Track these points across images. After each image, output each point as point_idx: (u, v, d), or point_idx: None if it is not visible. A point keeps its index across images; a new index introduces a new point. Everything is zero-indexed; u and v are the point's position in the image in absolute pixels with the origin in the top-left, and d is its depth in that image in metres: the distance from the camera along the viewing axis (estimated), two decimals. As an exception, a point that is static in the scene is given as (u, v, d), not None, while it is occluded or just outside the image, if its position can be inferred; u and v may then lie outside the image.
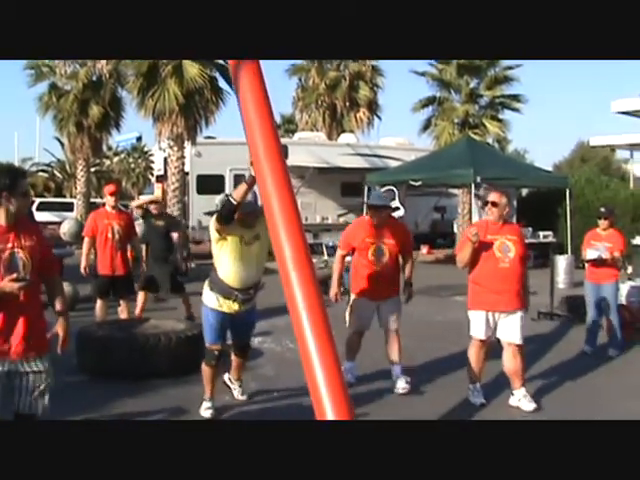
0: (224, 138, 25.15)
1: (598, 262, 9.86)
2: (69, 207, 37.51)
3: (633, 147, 30.15)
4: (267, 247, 6.78)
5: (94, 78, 29.80)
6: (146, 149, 51.83)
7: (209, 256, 6.78)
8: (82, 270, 10.27)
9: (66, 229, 16.96)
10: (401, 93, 75.96)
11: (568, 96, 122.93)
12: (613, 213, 10.43)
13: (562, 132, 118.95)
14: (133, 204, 10.81)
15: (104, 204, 10.76)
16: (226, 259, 6.62)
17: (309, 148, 24.93)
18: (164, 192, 23.54)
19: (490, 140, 28.17)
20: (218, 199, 6.67)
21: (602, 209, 10.34)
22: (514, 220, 8.39)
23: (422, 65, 28.29)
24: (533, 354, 7.67)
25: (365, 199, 23.80)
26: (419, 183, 20.22)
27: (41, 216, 29.66)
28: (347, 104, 32.88)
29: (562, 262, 17.99)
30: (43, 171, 60.17)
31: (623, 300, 11.03)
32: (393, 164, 25.99)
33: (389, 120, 57.88)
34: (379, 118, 34.36)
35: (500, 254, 7.29)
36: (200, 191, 23.62)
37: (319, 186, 25.30)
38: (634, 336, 10.88)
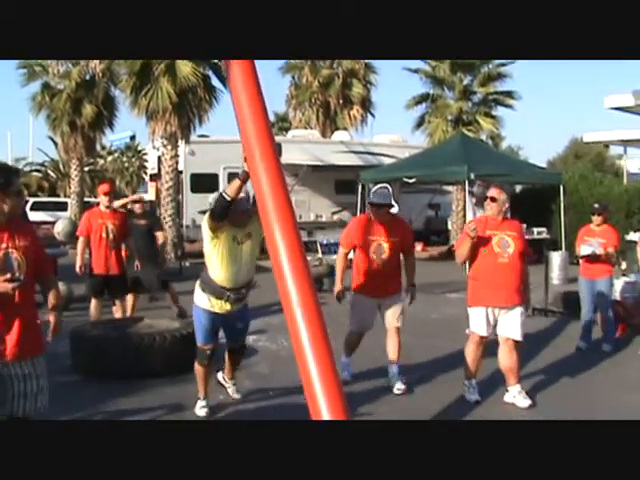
0: (218, 136, 25.12)
1: (592, 258, 9.88)
2: (63, 207, 37.42)
3: (626, 143, 30.11)
4: (259, 246, 6.77)
5: (87, 77, 29.73)
6: (140, 148, 51.84)
7: (203, 255, 6.75)
8: (77, 269, 10.24)
9: (60, 229, 16.93)
10: (394, 90, 75.88)
11: (561, 92, 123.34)
12: (607, 209, 10.45)
13: (556, 129, 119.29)
14: (116, 204, 10.78)
15: (98, 203, 10.74)
16: (218, 258, 6.57)
17: (303, 146, 24.92)
18: (158, 191, 23.52)
19: (484, 137, 28.19)
20: (212, 197, 6.63)
21: (596, 205, 10.36)
22: (508, 216, 8.43)
23: (415, 62, 28.32)
24: (528, 350, 7.68)
25: (367, 197, 23.91)
26: (413, 180, 20.24)
27: (35, 216, 29.56)
28: (340, 102, 32.87)
29: (556, 258, 18.01)
30: (37, 171, 60.07)
31: (617, 296, 11.04)
32: (387, 161, 25.99)
33: (383, 117, 58.14)
34: (373, 115, 34.39)
35: (499, 249, 7.28)
36: (194, 190, 23.59)
37: (313, 184, 25.28)
38: (628, 332, 10.91)
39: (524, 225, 20.86)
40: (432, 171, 20.86)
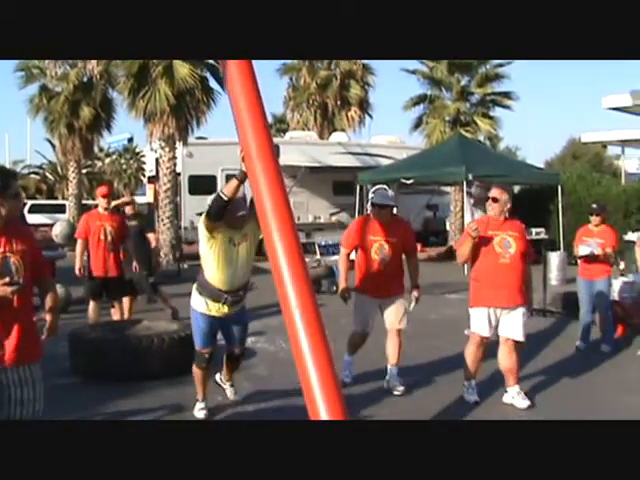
0: (216, 138, 25.14)
1: (590, 258, 9.88)
2: (61, 209, 37.43)
3: (624, 143, 30.14)
4: (255, 248, 6.75)
5: (85, 79, 29.72)
6: (138, 150, 51.74)
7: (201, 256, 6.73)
8: (77, 271, 10.24)
9: (58, 231, 16.92)
10: (392, 91, 76.08)
11: (559, 93, 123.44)
12: (605, 209, 10.46)
13: (553, 129, 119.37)
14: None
15: (96, 206, 10.73)
16: (214, 260, 6.53)
17: (301, 147, 24.92)
18: (156, 193, 23.51)
19: (482, 138, 28.19)
20: (210, 199, 6.60)
21: (594, 205, 10.36)
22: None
23: (413, 63, 28.33)
24: (527, 351, 7.68)
25: (367, 198, 23.90)
26: (411, 181, 20.23)
27: (33, 218, 29.55)
28: (338, 103, 32.89)
29: (554, 258, 18.02)
30: (35, 173, 60.06)
31: (616, 296, 11.04)
32: (385, 162, 26.01)
33: (380, 118, 58.10)
34: (370, 117, 34.43)
35: (500, 250, 7.26)
36: (192, 192, 23.60)
37: (311, 185, 25.29)
38: (628, 332, 10.91)
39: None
40: (430, 172, 20.85)
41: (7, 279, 4.43)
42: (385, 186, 8.12)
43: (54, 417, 5.39)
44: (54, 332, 4.95)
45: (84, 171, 42.38)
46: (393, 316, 7.88)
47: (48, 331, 4.88)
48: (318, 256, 18.97)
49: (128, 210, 11.70)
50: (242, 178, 5.80)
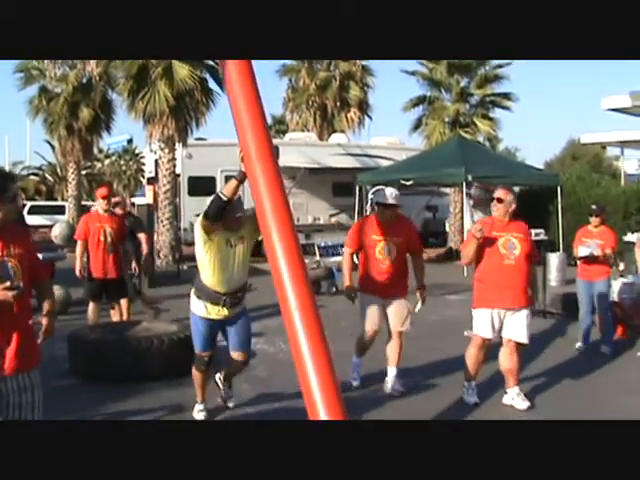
0: (215, 139, 25.14)
1: (590, 259, 9.87)
2: (60, 210, 37.47)
3: (624, 144, 30.14)
4: (251, 249, 6.71)
5: (84, 81, 29.76)
6: (137, 151, 51.75)
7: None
8: (77, 273, 10.23)
9: (57, 232, 16.93)
10: (392, 92, 76.07)
11: (559, 94, 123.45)
12: (604, 210, 10.45)
13: (553, 130, 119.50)
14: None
15: (90, 207, 10.72)
16: (210, 262, 6.49)
17: (300, 149, 24.93)
18: (155, 194, 23.51)
19: (481, 139, 28.19)
20: (209, 201, 6.57)
21: (593, 206, 10.35)
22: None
23: (412, 64, 28.35)
24: (526, 352, 7.67)
25: (368, 198, 23.84)
26: (410, 182, 20.23)
27: (32, 219, 29.59)
28: (338, 104, 32.91)
29: (554, 259, 18.02)
30: (34, 174, 60.10)
31: (615, 297, 11.04)
32: (384, 164, 26.02)
33: (380, 120, 58.18)
34: (370, 118, 34.45)
35: (505, 251, 7.24)
36: (191, 193, 23.61)
37: (310, 186, 25.29)
38: (627, 333, 10.91)
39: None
40: (429, 173, 20.87)
41: (8, 283, 4.37)
42: (383, 187, 8.09)
43: (52, 418, 5.39)
44: (50, 336, 4.90)
45: (83, 172, 42.41)
46: (396, 318, 7.82)
47: (44, 335, 4.82)
48: (317, 257, 18.96)
49: (118, 210, 11.67)
50: (241, 178, 5.74)
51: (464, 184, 20.34)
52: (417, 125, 28.16)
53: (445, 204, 28.44)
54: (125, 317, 10.55)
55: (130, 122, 22.19)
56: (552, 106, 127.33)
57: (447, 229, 27.99)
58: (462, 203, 24.58)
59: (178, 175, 23.31)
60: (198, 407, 7.02)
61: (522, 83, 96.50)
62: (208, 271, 6.55)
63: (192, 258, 6.97)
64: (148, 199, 24.02)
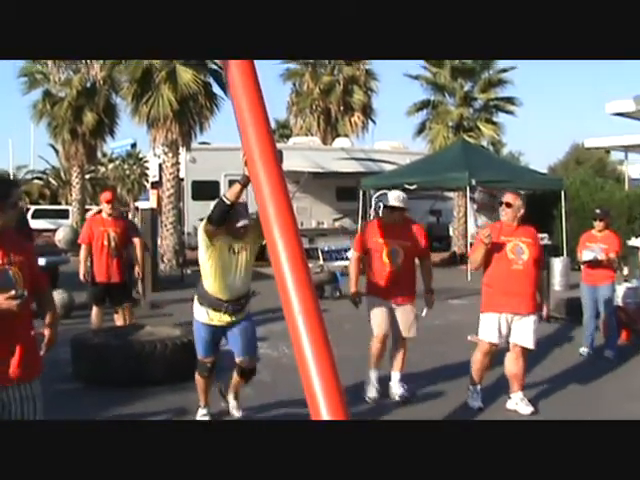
0: (219, 144, 25.13)
1: (594, 264, 9.86)
2: (64, 214, 37.50)
3: (628, 149, 30.15)
4: (254, 255, 6.66)
5: (88, 85, 29.83)
6: (141, 155, 51.93)
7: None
8: (81, 277, 10.22)
9: (61, 236, 16.95)
10: (395, 97, 76.03)
11: (562, 98, 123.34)
12: (608, 215, 10.44)
13: (557, 134, 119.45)
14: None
15: (100, 211, 10.72)
16: (212, 268, 6.46)
17: (304, 153, 24.94)
18: (159, 198, 23.53)
19: (485, 143, 28.23)
20: (213, 205, 6.55)
21: (597, 211, 10.34)
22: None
23: (416, 69, 28.43)
24: (530, 357, 7.64)
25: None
26: (414, 187, 20.23)
27: (36, 223, 29.65)
28: (341, 108, 32.87)
29: (558, 264, 18.00)
30: (38, 178, 60.24)
31: (619, 301, 11.02)
32: (388, 168, 26.03)
33: (383, 124, 58.23)
34: (374, 122, 34.38)
35: (513, 256, 7.21)
36: (195, 197, 23.62)
37: (314, 191, 25.28)
38: (631, 337, 10.89)
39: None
40: (433, 177, 20.87)
41: (13, 292, 4.22)
42: (385, 192, 8.04)
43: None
44: (52, 345, 4.77)
45: (87, 176, 42.54)
46: (402, 324, 7.74)
47: (47, 346, 4.70)
48: (321, 262, 18.94)
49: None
50: (245, 182, 5.73)
51: (468, 188, 20.34)
52: (421, 129, 28.16)
53: (449, 208, 28.41)
54: (127, 321, 10.54)
55: (134, 126, 22.30)
56: (556, 110, 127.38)
57: (451, 233, 27.96)
58: (466, 207, 24.55)
59: (182, 179, 23.33)
60: (201, 411, 7.00)
61: (526, 87, 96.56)
62: (210, 277, 6.52)
63: (196, 262, 6.96)
64: (152, 203, 24.06)
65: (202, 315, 6.66)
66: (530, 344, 7.31)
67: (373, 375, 7.80)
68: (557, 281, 17.58)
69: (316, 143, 28.54)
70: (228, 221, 6.24)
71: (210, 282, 6.53)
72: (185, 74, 21.00)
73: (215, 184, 23.23)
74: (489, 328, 7.30)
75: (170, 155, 22.30)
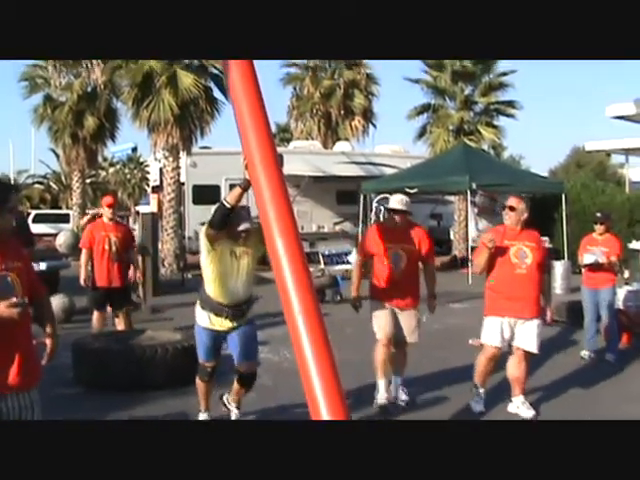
0: (219, 148, 25.14)
1: (595, 267, 9.86)
2: (65, 219, 37.51)
3: (628, 152, 30.17)
4: (256, 261, 6.63)
5: (89, 89, 29.84)
6: (142, 160, 51.92)
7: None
8: (82, 282, 10.23)
9: (62, 241, 16.95)
10: (396, 101, 76.09)
11: (563, 101, 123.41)
12: (609, 218, 10.44)
13: (557, 138, 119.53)
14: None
15: (100, 215, 10.73)
16: (213, 272, 6.44)
17: (304, 157, 24.95)
18: (160, 203, 23.54)
19: (485, 147, 28.24)
20: (214, 209, 6.53)
21: (598, 214, 10.35)
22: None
23: (416, 72, 28.39)
24: (532, 360, 7.63)
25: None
26: (415, 190, 20.24)
27: (37, 228, 29.64)
28: (342, 112, 32.87)
29: (559, 267, 18.00)
30: (39, 183, 60.24)
31: (620, 305, 11.02)
32: (388, 172, 26.03)
33: (384, 128, 58.15)
34: (374, 126, 34.38)
35: (517, 260, 7.21)
36: (196, 201, 23.62)
37: (315, 195, 25.28)
38: (632, 341, 10.88)
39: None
40: (434, 181, 20.88)
41: (14, 300, 4.13)
42: (388, 195, 8.03)
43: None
44: (54, 355, 4.69)
45: (88, 181, 42.55)
46: (405, 329, 7.68)
47: (49, 356, 4.63)
48: (322, 266, 18.94)
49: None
50: (246, 186, 5.71)
51: (468, 192, 20.36)
52: (421, 133, 28.20)
53: (449, 212, 28.41)
54: (125, 325, 10.52)
55: (135, 130, 22.35)
56: (556, 114, 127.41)
57: (452, 237, 27.95)
58: (467, 211, 24.58)
59: (183, 184, 23.35)
60: (202, 416, 7.00)
61: (526, 91, 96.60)
62: (211, 282, 6.51)
63: (197, 267, 6.96)
64: (153, 208, 24.06)
65: (204, 320, 6.64)
66: (534, 348, 7.31)
67: (382, 383, 7.66)
68: (558, 284, 17.58)
69: (317, 147, 28.53)
70: (229, 225, 6.23)
71: (211, 287, 6.52)
72: (186, 78, 21.02)
73: (216, 188, 23.23)
74: (492, 332, 7.29)
75: (171, 159, 22.31)
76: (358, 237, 21.69)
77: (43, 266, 14.24)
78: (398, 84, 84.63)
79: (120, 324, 10.49)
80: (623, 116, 25.46)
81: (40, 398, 4.51)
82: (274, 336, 10.78)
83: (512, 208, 7.30)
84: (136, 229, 21.91)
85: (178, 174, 22.60)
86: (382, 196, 23.02)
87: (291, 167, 20.98)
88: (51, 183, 59.26)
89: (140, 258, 12.01)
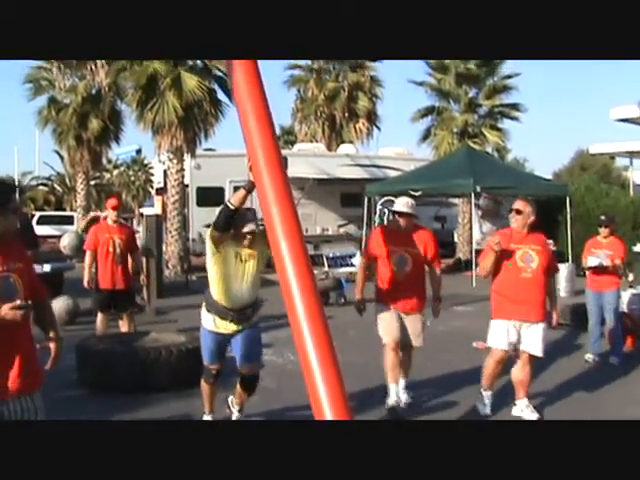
0: (223, 150, 25.14)
1: (599, 270, 9.85)
2: (69, 220, 37.51)
3: (633, 154, 30.15)
4: (262, 266, 6.59)
5: (93, 91, 29.88)
6: (146, 162, 51.95)
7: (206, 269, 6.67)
8: (85, 284, 10.24)
9: (66, 242, 17.00)
10: (400, 103, 76.05)
11: (567, 104, 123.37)
12: (613, 221, 10.43)
13: (561, 140, 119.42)
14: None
15: (105, 217, 10.74)
16: (218, 275, 6.42)
17: (308, 159, 24.94)
18: (164, 205, 23.55)
19: (489, 149, 28.22)
20: (218, 211, 6.52)
21: (602, 217, 10.33)
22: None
23: (420, 75, 28.44)
24: (536, 363, 7.62)
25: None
26: (419, 193, 20.21)
27: (41, 230, 29.64)
28: (346, 115, 32.89)
29: (563, 270, 17.97)
30: (43, 185, 60.30)
31: (624, 308, 11.00)
32: (392, 174, 26.04)
33: (388, 130, 57.96)
34: (378, 128, 34.40)
35: (522, 264, 7.18)
36: (200, 203, 23.63)
37: (319, 197, 25.28)
38: (636, 344, 10.86)
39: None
40: (438, 184, 20.87)
41: (18, 302, 4.10)
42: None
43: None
44: (57, 362, 4.63)
45: (92, 183, 42.57)
46: (411, 333, 7.65)
47: (53, 360, 4.56)
48: (326, 268, 18.94)
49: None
50: (250, 188, 5.67)
51: (472, 195, 20.36)
52: (425, 136, 28.20)
53: (453, 215, 28.40)
54: (129, 327, 10.53)
55: (139, 133, 22.37)
56: (560, 116, 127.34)
57: (456, 240, 27.92)
58: (470, 214, 24.58)
59: (187, 186, 23.34)
60: (206, 418, 6.99)
61: (530, 93, 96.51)
62: (215, 284, 6.49)
63: (201, 269, 6.96)
64: (157, 209, 24.09)
65: (209, 322, 6.63)
66: (538, 352, 7.29)
67: (394, 389, 7.58)
68: (562, 287, 17.56)
69: (321, 149, 28.54)
70: (234, 227, 6.23)
71: (216, 289, 6.50)
72: (190, 80, 21.03)
73: (220, 190, 23.23)
74: (499, 335, 7.27)
75: (175, 161, 22.32)
76: (362, 240, 21.69)
77: (47, 268, 14.27)
78: (402, 86, 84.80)
79: (124, 326, 10.50)
80: (627, 119, 25.45)
81: (44, 400, 4.50)
82: (278, 338, 10.78)
83: (518, 211, 7.27)
84: (140, 231, 21.90)
85: (182, 176, 22.60)
86: (386, 198, 23.03)
87: (295, 170, 20.95)
88: (55, 185, 59.32)
89: (144, 260, 11.99)
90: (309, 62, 33.00)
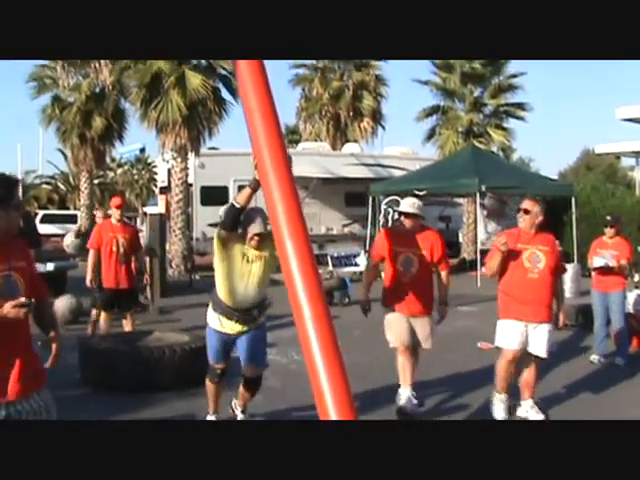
0: (228, 149, 25.13)
1: (605, 270, 9.81)
2: (73, 219, 37.59)
3: (638, 154, 30.12)
4: (270, 269, 6.50)
5: (97, 90, 29.94)
6: (150, 161, 51.99)
7: (213, 268, 6.63)
8: (88, 283, 10.23)
9: (69, 241, 17.01)
10: (405, 102, 76.14)
11: (573, 104, 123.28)
12: (619, 221, 10.39)
13: (567, 140, 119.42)
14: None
15: (109, 216, 10.73)
16: (224, 275, 6.37)
17: (313, 158, 24.91)
18: (168, 204, 23.56)
19: (495, 149, 28.20)
20: (222, 210, 6.50)
21: (608, 217, 10.30)
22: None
23: (425, 74, 28.39)
24: (541, 363, 7.58)
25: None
26: (424, 193, 20.19)
27: (45, 228, 29.68)
28: (351, 114, 32.85)
29: (569, 271, 17.90)
30: (47, 183, 60.38)
31: (630, 308, 10.96)
32: (397, 174, 26.02)
33: (393, 129, 57.69)
34: (383, 128, 34.34)
35: (529, 264, 7.13)
36: (204, 202, 23.61)
37: (323, 196, 25.27)
38: (642, 345, 10.83)
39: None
40: (443, 183, 20.84)
41: (21, 300, 4.04)
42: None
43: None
44: (57, 360, 4.56)
45: (96, 181, 42.66)
46: (419, 335, 7.57)
47: (54, 359, 4.50)
48: (331, 268, 18.92)
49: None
50: (255, 187, 5.63)
51: (477, 194, 20.32)
52: (430, 135, 28.19)
53: (458, 214, 28.36)
54: (131, 326, 10.51)
55: (143, 131, 22.41)
56: (566, 116, 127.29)
57: (460, 240, 27.89)
58: (475, 213, 24.54)
59: (191, 185, 23.35)
60: (210, 418, 6.96)
61: (536, 93, 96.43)
62: (221, 284, 6.46)
63: (204, 268, 6.94)
64: (160, 208, 24.09)
65: (215, 322, 6.59)
66: (543, 353, 7.24)
67: (406, 393, 7.53)
68: (568, 288, 17.50)
69: (325, 149, 28.51)
70: (242, 227, 6.20)
71: (221, 289, 6.47)
72: (194, 79, 21.03)
73: (224, 189, 23.22)
74: (508, 335, 7.20)
75: (179, 160, 22.32)
76: (367, 239, 21.67)
77: (50, 266, 14.27)
78: (407, 86, 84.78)
79: (127, 325, 10.49)
80: (633, 118, 25.41)
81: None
82: (282, 338, 10.76)
83: (526, 211, 7.20)
84: (144, 230, 21.90)
85: (186, 175, 22.61)
86: (391, 198, 23.01)
87: (300, 169, 20.91)
88: (59, 184, 59.39)
89: (148, 259, 11.97)
90: (314, 61, 32.99)
